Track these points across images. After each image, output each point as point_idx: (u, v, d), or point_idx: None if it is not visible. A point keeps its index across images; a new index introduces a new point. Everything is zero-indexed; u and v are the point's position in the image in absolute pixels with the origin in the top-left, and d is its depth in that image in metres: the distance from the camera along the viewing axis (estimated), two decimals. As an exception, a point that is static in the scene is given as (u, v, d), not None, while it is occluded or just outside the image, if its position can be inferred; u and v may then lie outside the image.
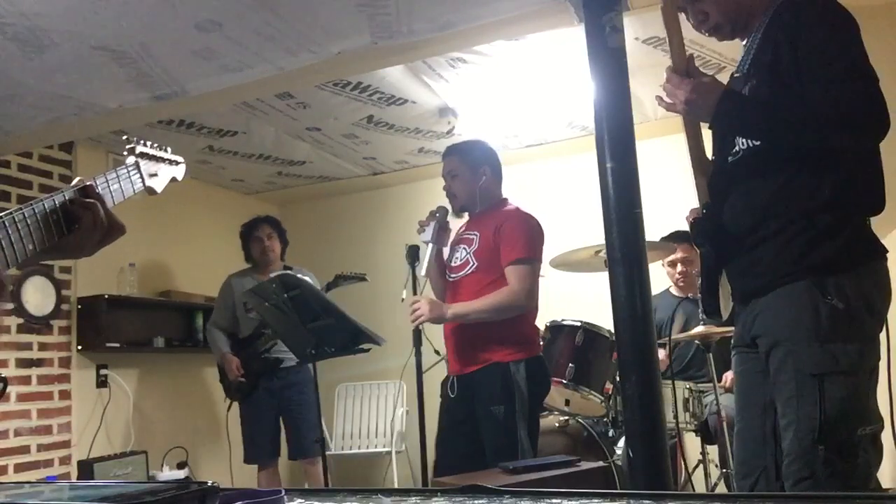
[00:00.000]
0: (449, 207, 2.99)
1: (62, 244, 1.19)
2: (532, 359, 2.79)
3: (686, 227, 1.93)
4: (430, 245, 2.86)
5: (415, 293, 2.87)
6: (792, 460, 1.62)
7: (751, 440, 1.81)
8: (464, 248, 2.92)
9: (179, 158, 1.50)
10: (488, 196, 2.98)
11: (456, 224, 3.07)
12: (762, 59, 1.74)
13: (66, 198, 1.18)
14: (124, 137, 1.42)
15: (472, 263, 2.86)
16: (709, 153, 1.93)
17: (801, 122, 1.65)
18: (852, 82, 1.58)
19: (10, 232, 1.08)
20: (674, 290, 4.00)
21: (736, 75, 1.84)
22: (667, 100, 1.79)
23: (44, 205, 1.14)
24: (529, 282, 2.77)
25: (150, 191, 1.40)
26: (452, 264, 2.95)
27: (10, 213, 1.09)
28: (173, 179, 1.47)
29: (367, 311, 4.05)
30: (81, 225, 1.18)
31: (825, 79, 1.60)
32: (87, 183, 1.23)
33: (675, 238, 3.67)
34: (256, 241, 4.29)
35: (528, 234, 2.84)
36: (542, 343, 3.31)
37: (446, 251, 3.01)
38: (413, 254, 2.90)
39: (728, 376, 3.59)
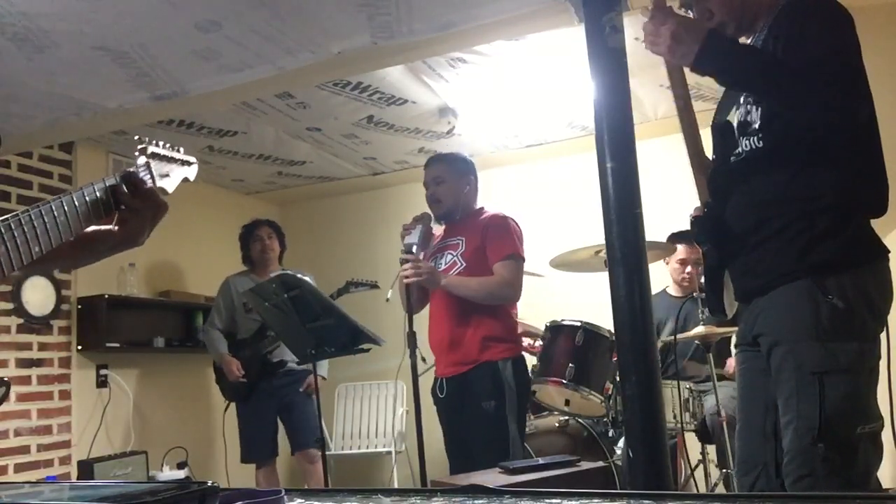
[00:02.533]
0: (431, 214, 3.07)
1: (119, 236, 1.26)
2: (518, 357, 2.95)
3: (676, 229, 1.94)
4: (416, 248, 2.92)
5: (409, 299, 2.91)
6: (791, 458, 1.62)
7: (752, 438, 1.81)
8: (449, 254, 3.02)
9: (192, 159, 1.49)
10: (468, 205, 3.11)
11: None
12: None
13: (108, 184, 1.23)
14: (136, 137, 1.41)
15: (460, 264, 2.97)
16: (708, 151, 1.93)
17: (783, 79, 1.62)
18: (835, 61, 1.59)
19: (26, 230, 1.09)
20: (672, 290, 4.00)
21: None
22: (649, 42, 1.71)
23: (86, 193, 1.20)
24: (518, 276, 2.94)
25: (161, 191, 1.40)
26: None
27: (46, 203, 1.13)
28: (185, 180, 1.46)
29: (367, 311, 4.05)
30: (131, 205, 1.24)
31: (810, 54, 1.61)
32: (130, 170, 1.29)
33: (686, 237, 3.64)
34: (257, 240, 4.31)
35: (515, 234, 2.99)
36: (542, 343, 3.34)
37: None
38: (422, 220, 2.95)
39: (731, 363, 3.58)
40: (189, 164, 1.48)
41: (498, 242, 2.94)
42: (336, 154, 4.92)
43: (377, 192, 5.63)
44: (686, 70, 1.82)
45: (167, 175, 1.40)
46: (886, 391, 1.65)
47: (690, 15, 1.88)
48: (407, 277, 2.85)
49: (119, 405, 4.40)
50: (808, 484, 1.58)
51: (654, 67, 3.70)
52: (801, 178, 1.68)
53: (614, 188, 2.16)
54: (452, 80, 3.81)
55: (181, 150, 1.46)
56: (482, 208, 3.13)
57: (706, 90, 3.45)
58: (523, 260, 2.98)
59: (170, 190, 1.42)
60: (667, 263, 3.96)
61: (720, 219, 1.81)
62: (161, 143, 1.41)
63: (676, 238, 3.64)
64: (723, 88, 1.92)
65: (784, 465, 1.65)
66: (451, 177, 3.07)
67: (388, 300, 3.03)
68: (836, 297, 1.59)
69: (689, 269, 3.87)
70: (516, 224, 3.02)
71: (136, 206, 1.26)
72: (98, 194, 1.21)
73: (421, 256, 3.03)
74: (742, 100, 1.80)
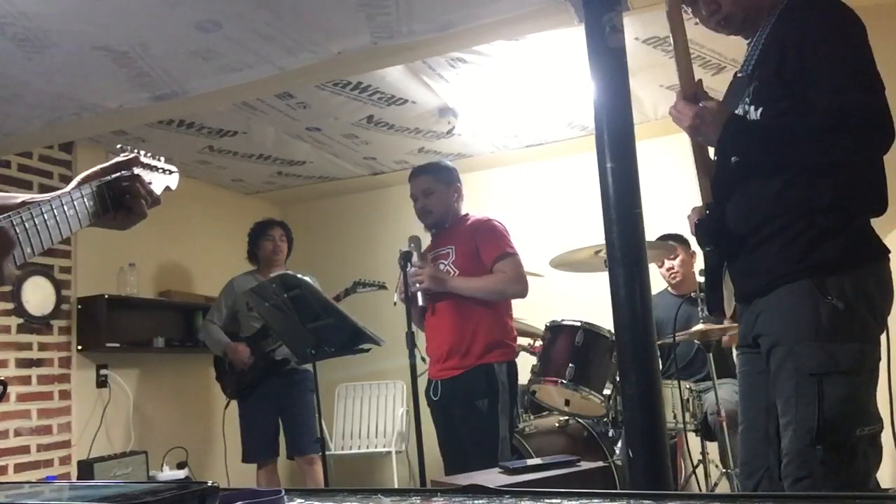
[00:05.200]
0: (419, 235, 3.10)
1: (109, 221, 1.30)
2: (512, 362, 3.02)
3: (675, 229, 1.95)
4: (415, 269, 2.94)
5: (407, 299, 2.94)
6: (790, 460, 1.62)
7: (754, 440, 1.81)
8: (441, 263, 3.05)
9: (173, 168, 1.50)
10: (457, 213, 3.16)
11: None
12: (767, 61, 1.73)
13: (111, 178, 1.28)
14: (118, 146, 1.43)
15: (452, 272, 3.01)
16: (711, 153, 1.93)
17: (805, 143, 1.66)
18: (858, 92, 1.58)
19: (17, 231, 1.11)
20: (673, 290, 4.01)
21: (739, 75, 1.84)
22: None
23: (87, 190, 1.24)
24: (521, 271, 3.01)
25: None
26: None
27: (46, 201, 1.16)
28: (167, 189, 1.47)
29: (367, 310, 4.05)
30: (133, 193, 1.30)
31: (831, 87, 1.60)
32: (132, 155, 1.35)
33: (664, 239, 3.69)
34: (269, 240, 4.30)
35: (505, 233, 3.06)
36: (542, 343, 3.34)
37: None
38: (406, 258, 2.94)
39: (726, 338, 3.55)
40: (171, 172, 1.49)
41: (489, 244, 3.01)
42: (336, 154, 4.92)
43: (377, 192, 5.63)
44: (694, 67, 1.87)
45: (150, 183, 1.40)
46: (886, 392, 1.65)
47: (693, 11, 1.88)
48: (415, 286, 2.92)
49: (119, 405, 4.40)
50: (806, 486, 1.57)
51: (654, 67, 3.72)
52: (801, 178, 1.68)
53: (614, 188, 2.17)
54: (452, 80, 3.81)
55: (162, 158, 1.47)
56: (467, 214, 3.18)
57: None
58: (517, 255, 3.04)
59: None
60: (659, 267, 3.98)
61: (721, 220, 1.81)
62: (142, 152, 1.42)
63: (664, 238, 3.68)
64: (723, 89, 1.92)
65: (783, 466, 1.65)
66: (439, 187, 3.12)
67: (395, 304, 3.07)
68: (836, 298, 1.59)
69: (667, 264, 3.89)
70: (501, 224, 3.10)
71: (120, 217, 1.31)
72: (87, 201, 1.24)
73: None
74: (741, 101, 1.79)
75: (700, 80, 1.84)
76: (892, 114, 1.59)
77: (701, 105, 1.76)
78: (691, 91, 1.81)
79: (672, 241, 3.70)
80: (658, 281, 3.72)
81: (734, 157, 1.81)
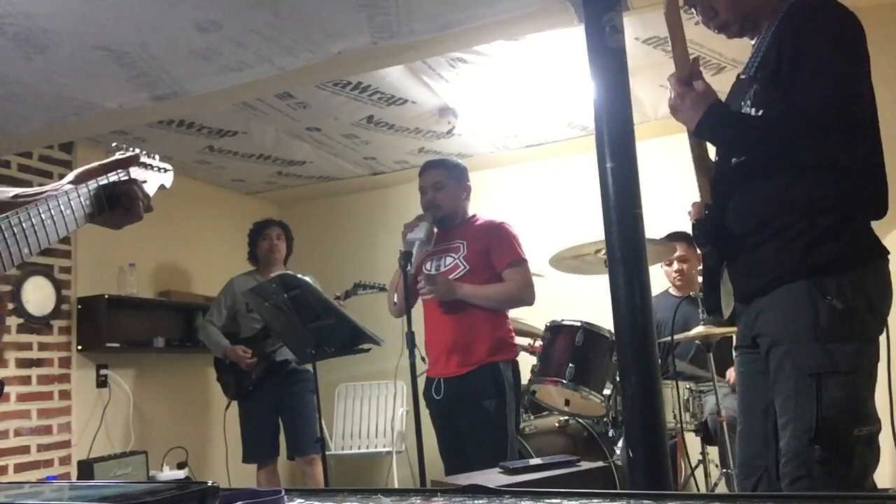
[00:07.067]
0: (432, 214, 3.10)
1: (106, 219, 1.32)
2: (515, 360, 3.03)
3: (683, 227, 1.94)
4: (420, 244, 2.90)
5: (407, 298, 2.91)
6: (788, 459, 1.62)
7: (752, 441, 1.81)
8: (450, 256, 3.05)
9: (168, 166, 1.51)
10: (464, 211, 3.16)
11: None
12: (767, 63, 1.74)
13: (110, 181, 1.31)
14: (114, 144, 1.44)
15: (462, 267, 3.01)
16: (711, 153, 1.93)
17: (781, 144, 1.68)
18: (834, 98, 1.60)
19: (15, 231, 1.11)
20: (673, 291, 4.01)
21: (742, 77, 1.84)
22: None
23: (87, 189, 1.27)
24: (530, 279, 3.02)
25: None
26: (437, 271, 3.05)
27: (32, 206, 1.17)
28: (161, 187, 1.48)
29: (367, 311, 4.05)
30: (130, 196, 1.31)
31: (810, 91, 1.62)
32: (131, 154, 1.37)
33: (673, 238, 3.68)
34: (265, 239, 4.32)
35: (517, 239, 3.07)
36: (542, 343, 3.34)
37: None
38: (407, 258, 2.93)
39: (731, 373, 3.59)
40: (165, 171, 1.50)
41: (503, 249, 3.01)
42: (336, 154, 4.92)
43: (377, 192, 5.63)
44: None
45: (145, 182, 1.41)
46: (886, 392, 1.65)
47: (694, 12, 1.88)
48: (424, 295, 2.94)
49: (119, 405, 4.40)
50: (804, 485, 1.57)
51: (654, 67, 3.72)
52: (802, 179, 1.68)
53: (614, 188, 2.17)
54: (452, 80, 3.81)
55: (157, 157, 1.48)
56: (475, 214, 3.18)
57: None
58: (527, 261, 3.05)
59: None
60: (661, 266, 3.97)
61: (721, 220, 1.81)
62: (138, 151, 1.43)
63: (673, 237, 3.68)
64: (723, 89, 1.92)
65: (781, 466, 1.65)
66: (451, 182, 3.10)
67: (395, 303, 3.08)
68: (836, 299, 1.59)
69: (676, 266, 3.89)
70: (513, 228, 3.10)
71: (134, 194, 1.32)
72: (84, 201, 1.24)
73: (423, 254, 3.02)
74: (742, 102, 1.80)
75: (696, 58, 1.84)
76: (863, 125, 1.61)
77: (686, 88, 1.77)
78: (685, 71, 1.81)
79: (682, 241, 3.70)
80: (658, 281, 3.72)
81: (711, 143, 1.84)
